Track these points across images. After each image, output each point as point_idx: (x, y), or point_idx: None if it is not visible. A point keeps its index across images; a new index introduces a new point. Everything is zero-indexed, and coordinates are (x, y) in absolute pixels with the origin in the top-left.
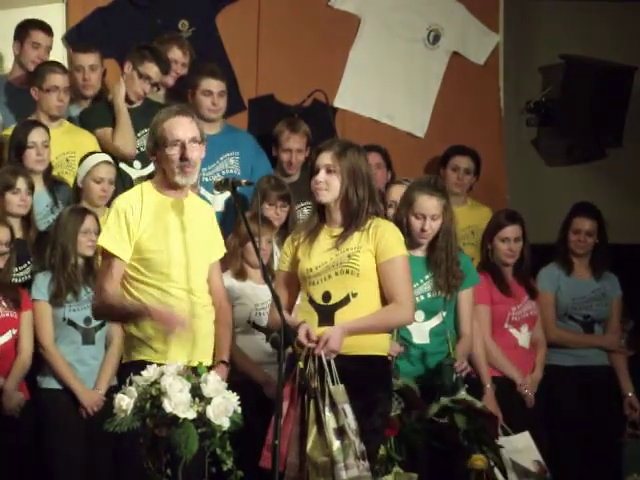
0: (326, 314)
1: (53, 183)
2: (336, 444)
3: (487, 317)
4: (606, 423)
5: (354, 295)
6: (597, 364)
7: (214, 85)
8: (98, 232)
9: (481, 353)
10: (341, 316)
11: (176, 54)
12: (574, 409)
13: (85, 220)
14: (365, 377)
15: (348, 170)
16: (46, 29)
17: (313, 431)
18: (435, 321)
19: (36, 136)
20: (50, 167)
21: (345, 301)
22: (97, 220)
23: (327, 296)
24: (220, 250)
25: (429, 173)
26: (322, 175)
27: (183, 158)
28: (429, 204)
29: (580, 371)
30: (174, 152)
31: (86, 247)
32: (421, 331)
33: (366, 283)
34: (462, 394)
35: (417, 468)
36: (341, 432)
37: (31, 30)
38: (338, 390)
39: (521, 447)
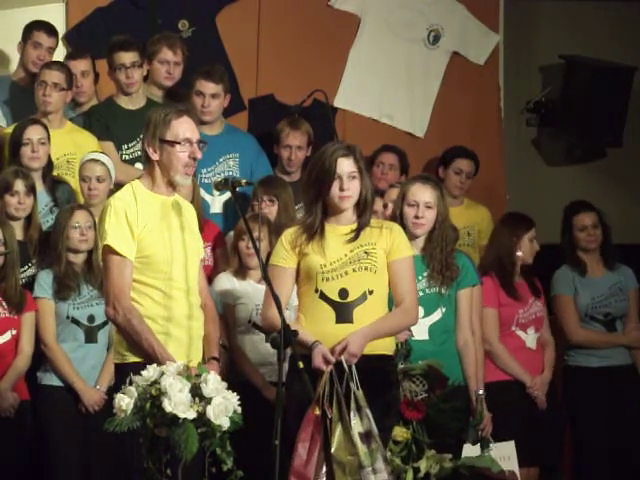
0: (344, 311)
1: (53, 183)
2: (363, 448)
3: (495, 320)
4: (634, 423)
5: (370, 292)
6: (621, 364)
7: (206, 87)
8: (92, 227)
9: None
10: (359, 313)
11: (167, 54)
12: (601, 410)
13: (74, 214)
14: (380, 376)
15: (363, 171)
16: (48, 30)
17: (337, 431)
18: (435, 317)
19: (31, 133)
20: (50, 166)
21: (362, 298)
22: (91, 215)
23: (344, 293)
24: (202, 249)
25: (428, 173)
26: (347, 183)
27: (192, 158)
28: (422, 191)
29: (606, 372)
30: (185, 150)
31: (78, 242)
32: (420, 327)
33: (381, 281)
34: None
35: (446, 449)
36: (367, 436)
37: (34, 30)
38: (360, 395)
39: (497, 457)
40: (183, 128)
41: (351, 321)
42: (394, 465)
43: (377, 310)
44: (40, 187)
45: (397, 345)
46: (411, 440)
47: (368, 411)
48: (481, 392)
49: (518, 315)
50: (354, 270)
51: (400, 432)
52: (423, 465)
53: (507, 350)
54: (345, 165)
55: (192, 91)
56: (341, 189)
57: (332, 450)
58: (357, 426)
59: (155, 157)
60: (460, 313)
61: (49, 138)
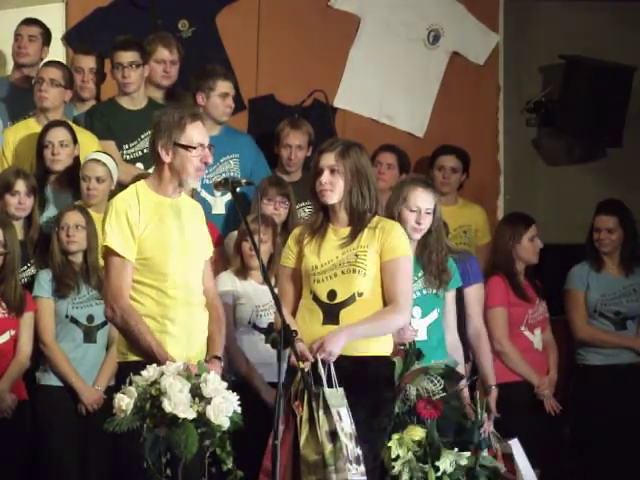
0: (331, 313)
1: (78, 184)
2: (329, 447)
3: (504, 319)
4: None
5: (360, 294)
6: (631, 362)
7: (229, 87)
8: (84, 227)
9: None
10: (346, 315)
11: (163, 53)
12: (604, 409)
13: (63, 216)
14: (372, 377)
15: (352, 170)
16: (27, 20)
17: (305, 430)
18: (432, 317)
19: (52, 135)
20: (75, 167)
21: (350, 300)
22: (85, 215)
23: (332, 294)
24: (210, 249)
25: (422, 174)
26: (326, 176)
27: (204, 162)
28: (425, 197)
29: (613, 370)
30: (198, 155)
31: (66, 243)
32: (419, 327)
33: (372, 283)
34: (484, 455)
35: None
36: (333, 435)
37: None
38: (334, 393)
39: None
40: (197, 133)
41: (337, 322)
42: (411, 466)
43: (367, 312)
44: (63, 188)
45: (406, 345)
46: (426, 439)
47: (343, 410)
48: (494, 387)
49: (528, 315)
50: (343, 272)
51: (415, 431)
52: (443, 464)
53: (517, 350)
54: (326, 159)
55: (211, 93)
56: (320, 182)
57: (300, 448)
58: (324, 425)
59: (167, 159)
60: (446, 316)
61: (75, 139)
